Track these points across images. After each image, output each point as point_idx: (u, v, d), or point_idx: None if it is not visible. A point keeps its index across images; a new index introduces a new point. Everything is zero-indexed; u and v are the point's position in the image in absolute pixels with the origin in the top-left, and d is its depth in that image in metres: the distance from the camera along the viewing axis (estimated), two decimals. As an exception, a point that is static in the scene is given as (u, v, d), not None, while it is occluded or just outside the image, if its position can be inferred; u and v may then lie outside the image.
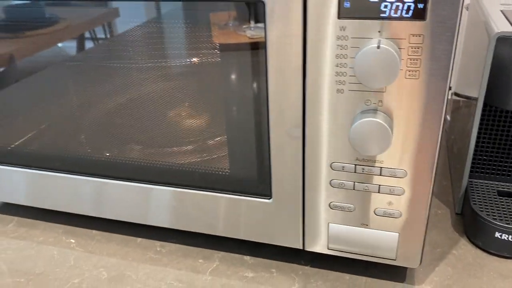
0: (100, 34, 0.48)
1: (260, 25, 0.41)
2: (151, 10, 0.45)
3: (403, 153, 0.42)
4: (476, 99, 0.53)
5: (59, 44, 0.50)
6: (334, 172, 0.45)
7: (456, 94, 0.75)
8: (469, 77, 0.60)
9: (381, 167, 0.43)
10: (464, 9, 0.76)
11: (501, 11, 0.57)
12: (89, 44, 0.49)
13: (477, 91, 0.52)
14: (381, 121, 0.39)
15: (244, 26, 0.42)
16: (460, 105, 0.67)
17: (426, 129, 0.40)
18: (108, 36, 0.48)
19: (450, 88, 0.90)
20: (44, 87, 0.53)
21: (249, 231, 0.51)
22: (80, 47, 0.50)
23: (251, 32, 0.42)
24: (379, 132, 0.39)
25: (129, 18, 0.46)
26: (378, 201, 0.45)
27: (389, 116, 0.40)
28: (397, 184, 0.43)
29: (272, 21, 0.40)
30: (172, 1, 0.43)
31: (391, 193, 0.44)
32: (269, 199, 0.49)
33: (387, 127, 0.39)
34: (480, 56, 0.53)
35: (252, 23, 0.41)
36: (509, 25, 0.51)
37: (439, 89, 0.38)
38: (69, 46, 0.50)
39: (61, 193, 0.58)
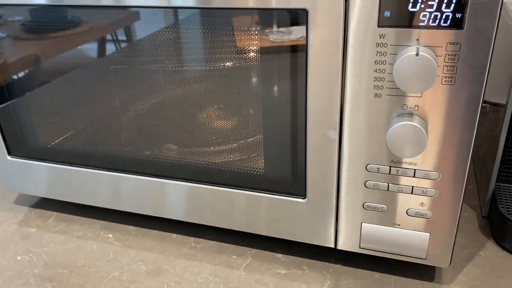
0: (132, 37, 0.51)
1: (302, 30, 0.43)
2: (183, 13, 0.47)
3: (437, 156, 0.43)
4: (503, 105, 0.54)
5: (87, 46, 0.53)
6: (369, 174, 0.46)
7: (484, 101, 0.76)
8: (497, 83, 0.61)
9: (415, 169, 0.45)
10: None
11: (530, 18, 0.58)
12: (117, 47, 0.52)
13: (505, 97, 0.54)
14: (417, 125, 0.41)
15: (284, 31, 0.44)
16: (487, 110, 0.68)
17: (460, 134, 0.42)
18: (140, 39, 0.50)
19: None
20: (80, 89, 0.56)
21: (282, 230, 0.53)
22: (106, 50, 0.52)
23: (291, 36, 0.44)
24: (415, 135, 0.41)
25: (159, 23, 0.48)
26: (411, 202, 0.46)
27: (424, 120, 0.42)
28: (430, 186, 0.45)
29: (315, 28, 0.42)
30: (215, 9, 0.45)
31: (424, 194, 0.45)
32: (303, 198, 0.51)
33: (423, 130, 0.41)
34: (508, 62, 0.54)
35: (294, 29, 0.43)
36: (540, 33, 0.52)
37: (474, 96, 0.40)
38: (95, 48, 0.53)
39: (99, 190, 0.60)
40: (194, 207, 0.56)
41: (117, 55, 0.53)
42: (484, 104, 0.74)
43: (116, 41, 0.52)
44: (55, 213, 0.67)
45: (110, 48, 0.53)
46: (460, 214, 0.46)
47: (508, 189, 0.59)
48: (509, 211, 0.55)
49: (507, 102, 0.54)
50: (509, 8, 0.66)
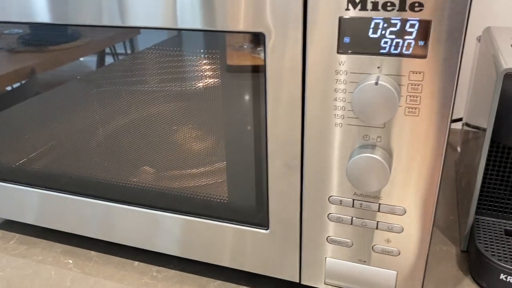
0: (108, 57, 0.49)
1: (260, 55, 0.41)
2: (144, 34, 0.45)
3: (402, 191, 0.41)
4: (484, 130, 0.52)
5: (68, 64, 0.51)
6: (332, 206, 0.44)
7: (466, 124, 0.73)
8: (479, 107, 0.59)
9: (380, 204, 0.42)
10: (476, 40, 0.75)
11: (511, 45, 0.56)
12: (95, 64, 0.50)
13: (486, 122, 0.51)
14: (379, 158, 0.38)
15: (243, 55, 0.42)
16: (470, 136, 0.66)
17: (426, 168, 0.39)
18: (117, 59, 0.49)
19: (460, 119, 0.88)
20: (51, 106, 0.54)
21: (246, 262, 0.51)
22: (86, 68, 0.51)
23: (250, 61, 0.42)
24: (377, 168, 0.38)
25: (127, 46, 0.46)
26: (376, 238, 0.44)
27: (388, 152, 0.40)
28: (396, 222, 0.42)
29: (272, 53, 0.40)
30: (170, 30, 0.43)
31: (389, 230, 0.43)
32: (266, 229, 0.48)
33: (385, 164, 0.38)
34: (489, 89, 0.52)
35: (252, 53, 0.41)
36: (518, 61, 0.50)
37: (439, 128, 0.38)
38: (76, 66, 0.51)
39: (64, 214, 0.58)
40: (155, 235, 0.54)
41: (85, 74, 0.51)
42: (467, 129, 0.72)
43: (81, 61, 0.50)
44: (17, 235, 0.64)
45: (78, 65, 0.51)
46: (429, 251, 0.43)
47: (487, 223, 0.56)
48: (487, 247, 0.52)
49: (486, 132, 0.51)
50: (492, 34, 0.64)
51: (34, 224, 0.61)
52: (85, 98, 0.51)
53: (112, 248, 0.60)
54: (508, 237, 0.54)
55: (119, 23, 0.44)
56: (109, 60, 0.49)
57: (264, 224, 0.48)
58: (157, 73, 0.47)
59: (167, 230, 0.53)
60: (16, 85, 0.55)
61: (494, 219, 0.57)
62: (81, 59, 0.50)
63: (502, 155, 0.54)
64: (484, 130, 0.52)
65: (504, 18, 0.82)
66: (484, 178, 0.55)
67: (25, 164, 0.58)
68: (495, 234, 0.54)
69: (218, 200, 0.50)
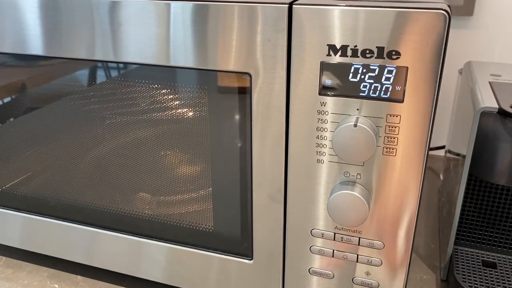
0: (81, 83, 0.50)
1: (246, 94, 0.42)
2: (132, 66, 0.47)
3: (380, 226, 0.42)
4: (464, 157, 0.53)
5: (53, 88, 0.52)
6: (314, 239, 0.45)
7: (449, 151, 0.76)
8: (459, 138, 0.61)
9: (360, 238, 0.43)
10: (458, 73, 0.78)
11: (490, 82, 0.59)
12: (76, 90, 0.51)
13: (465, 152, 0.53)
14: (358, 195, 0.40)
15: (229, 94, 0.43)
16: (451, 164, 0.68)
17: (403, 204, 0.41)
18: (103, 84, 0.50)
19: (443, 147, 0.91)
20: (36, 131, 0.55)
21: (229, 289, 0.52)
22: (70, 93, 0.52)
23: (236, 99, 0.43)
24: (356, 205, 0.40)
25: (121, 71, 0.48)
26: (357, 270, 0.45)
27: (367, 189, 0.41)
28: (375, 255, 0.44)
29: (258, 92, 0.41)
30: (156, 66, 0.44)
31: (368, 263, 0.44)
32: (250, 260, 0.49)
33: (364, 201, 0.40)
34: (467, 123, 0.54)
35: (239, 92, 0.43)
36: (494, 99, 0.52)
37: (415, 167, 0.39)
38: (61, 91, 0.52)
39: (50, 239, 0.58)
40: (140, 262, 0.55)
41: (68, 98, 0.52)
42: (450, 155, 0.74)
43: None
44: (4, 257, 0.65)
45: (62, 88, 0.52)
46: (406, 283, 0.44)
47: (466, 253, 0.58)
48: (464, 278, 0.54)
49: (464, 167, 0.53)
50: (472, 68, 0.67)
51: (20, 247, 0.62)
52: (69, 123, 0.52)
53: (98, 273, 0.61)
54: (485, 268, 0.55)
55: (112, 59, 0.46)
56: (95, 85, 0.50)
57: (248, 254, 0.49)
58: (145, 102, 0.48)
59: (151, 257, 0.54)
60: None
61: (472, 250, 0.58)
62: (69, 84, 0.51)
63: (479, 188, 0.56)
64: (464, 157, 0.53)
65: (485, 52, 0.85)
66: (462, 209, 0.57)
67: (11, 188, 0.59)
68: (473, 265, 0.56)
69: (203, 229, 0.51)
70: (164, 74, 0.46)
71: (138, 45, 0.44)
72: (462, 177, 0.54)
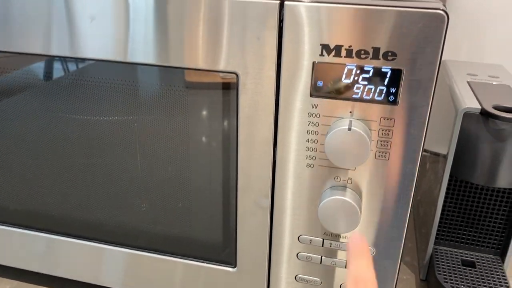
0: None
1: (232, 94, 0.40)
2: (118, 67, 0.43)
3: (371, 232, 0.41)
4: (444, 157, 0.53)
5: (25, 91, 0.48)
6: (302, 245, 0.43)
7: (424, 150, 0.76)
8: (437, 137, 0.61)
9: (349, 243, 0.42)
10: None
11: (468, 82, 0.59)
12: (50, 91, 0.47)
13: (446, 148, 0.53)
14: (349, 200, 0.38)
15: (215, 94, 0.41)
16: (427, 160, 0.68)
17: (394, 210, 0.40)
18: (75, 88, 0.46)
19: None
20: None
21: (211, 298, 0.49)
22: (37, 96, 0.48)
23: (222, 99, 0.41)
24: (347, 210, 0.39)
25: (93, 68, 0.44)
26: (345, 277, 0.44)
27: (358, 194, 0.40)
28: (364, 261, 0.42)
29: (245, 93, 0.39)
30: (148, 65, 0.41)
31: (358, 269, 0.43)
32: (233, 267, 0.47)
33: (356, 206, 0.38)
34: (447, 123, 0.54)
35: (225, 92, 0.40)
36: (476, 100, 0.52)
37: (408, 172, 0.38)
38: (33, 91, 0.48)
39: (9, 249, 0.54)
40: (110, 270, 0.51)
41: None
42: (425, 153, 0.74)
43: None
44: (-40, 270, 0.59)
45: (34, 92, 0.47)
46: (395, 289, 0.44)
47: (446, 253, 0.58)
48: (446, 278, 0.54)
49: (445, 168, 0.53)
50: (448, 68, 0.67)
51: (-21, 258, 0.57)
52: (26, 122, 0.48)
53: (63, 283, 0.57)
54: (465, 267, 0.56)
55: (67, 54, 0.42)
56: (66, 90, 0.46)
57: (231, 262, 0.47)
58: (120, 102, 0.45)
59: (123, 267, 0.50)
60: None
61: (451, 249, 0.59)
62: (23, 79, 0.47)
63: (460, 188, 0.56)
64: (444, 156, 0.53)
65: (453, 52, 0.86)
66: (443, 209, 0.57)
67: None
68: (453, 264, 0.56)
69: (181, 235, 0.48)
70: (145, 72, 0.43)
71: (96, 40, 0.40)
72: (443, 177, 0.54)
